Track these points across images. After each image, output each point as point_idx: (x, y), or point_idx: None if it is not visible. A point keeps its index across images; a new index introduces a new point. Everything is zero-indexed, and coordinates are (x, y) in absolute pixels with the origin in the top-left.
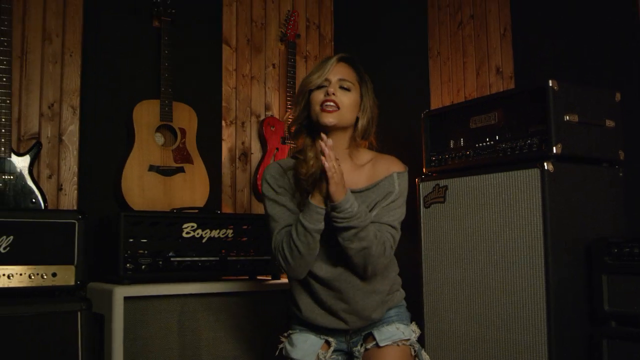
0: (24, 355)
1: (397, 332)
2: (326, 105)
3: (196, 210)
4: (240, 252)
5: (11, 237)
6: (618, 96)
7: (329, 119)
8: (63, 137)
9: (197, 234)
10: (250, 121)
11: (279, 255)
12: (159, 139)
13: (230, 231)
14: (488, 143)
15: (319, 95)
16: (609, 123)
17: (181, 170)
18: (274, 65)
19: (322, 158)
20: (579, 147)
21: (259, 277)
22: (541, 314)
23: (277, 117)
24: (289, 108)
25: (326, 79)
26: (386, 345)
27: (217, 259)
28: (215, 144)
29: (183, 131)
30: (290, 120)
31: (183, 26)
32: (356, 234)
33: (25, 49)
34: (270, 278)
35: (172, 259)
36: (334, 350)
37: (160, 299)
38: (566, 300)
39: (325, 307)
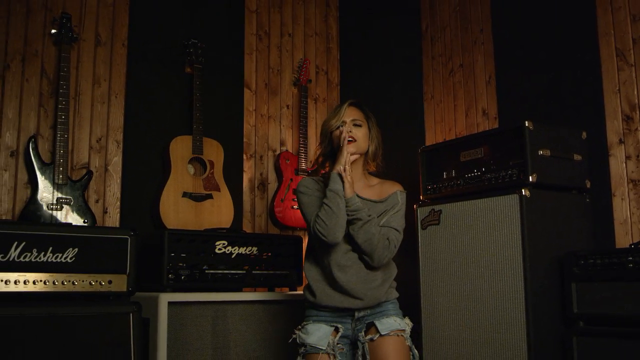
0: (84, 349)
1: (394, 323)
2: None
3: (225, 230)
4: (262, 267)
5: (76, 249)
6: (584, 134)
7: (350, 149)
8: (109, 167)
9: (228, 250)
10: (268, 155)
11: (317, 226)
12: (191, 169)
13: (255, 249)
14: (476, 174)
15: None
16: (577, 157)
17: (210, 196)
18: (288, 106)
19: (341, 156)
20: (551, 177)
21: (278, 289)
22: (521, 317)
23: (291, 151)
24: (302, 145)
25: (342, 121)
26: (386, 334)
27: (244, 272)
28: (237, 174)
29: (212, 163)
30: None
31: (211, 72)
32: (362, 226)
33: (79, 91)
34: (288, 290)
35: (206, 271)
36: (341, 337)
37: (196, 305)
38: (542, 304)
39: (338, 288)
